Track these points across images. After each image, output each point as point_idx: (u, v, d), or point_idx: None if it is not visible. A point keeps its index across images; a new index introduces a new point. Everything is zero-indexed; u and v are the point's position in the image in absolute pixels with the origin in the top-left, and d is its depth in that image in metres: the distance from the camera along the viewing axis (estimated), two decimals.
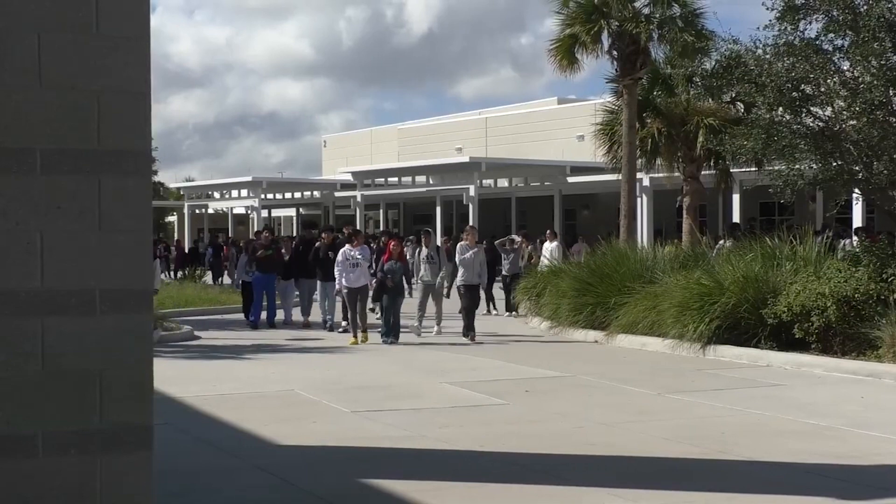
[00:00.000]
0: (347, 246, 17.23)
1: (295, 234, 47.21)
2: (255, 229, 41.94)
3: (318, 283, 19.33)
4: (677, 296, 15.19)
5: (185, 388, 11.49)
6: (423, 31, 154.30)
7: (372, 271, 17.72)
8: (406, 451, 8.32)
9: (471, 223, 37.85)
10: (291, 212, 58.93)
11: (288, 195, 54.90)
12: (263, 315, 19.72)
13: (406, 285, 17.60)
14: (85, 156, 4.92)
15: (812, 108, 15.72)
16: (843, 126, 15.45)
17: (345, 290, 16.91)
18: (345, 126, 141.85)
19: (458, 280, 17.57)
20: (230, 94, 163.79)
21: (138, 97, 5.02)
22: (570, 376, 12.69)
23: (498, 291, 22.59)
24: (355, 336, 16.65)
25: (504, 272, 22.25)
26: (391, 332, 16.50)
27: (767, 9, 15.33)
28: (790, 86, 15.18)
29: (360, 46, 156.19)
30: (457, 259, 17.63)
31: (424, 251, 18.60)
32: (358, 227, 18.87)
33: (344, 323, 18.17)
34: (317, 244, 19.53)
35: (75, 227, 4.91)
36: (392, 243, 17.54)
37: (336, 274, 17.02)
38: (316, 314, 19.67)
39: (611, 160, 26.21)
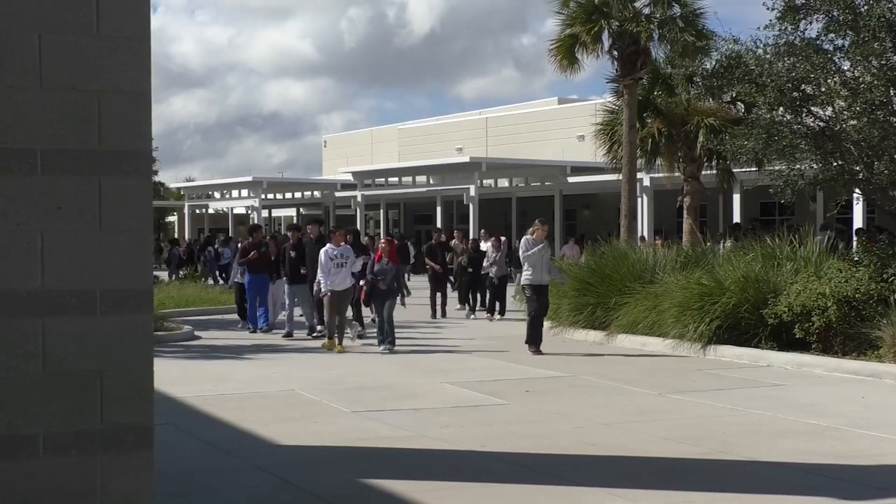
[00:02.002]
0: (329, 245, 15.87)
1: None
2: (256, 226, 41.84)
3: (287, 286, 17.94)
4: (678, 296, 15.20)
5: (185, 388, 11.49)
6: (424, 31, 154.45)
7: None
8: (406, 451, 8.33)
9: (471, 223, 37.89)
10: (292, 212, 58.93)
11: (288, 195, 54.92)
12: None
13: (399, 289, 16.09)
14: (85, 156, 4.92)
15: (813, 108, 15.72)
16: (844, 126, 15.45)
17: (328, 294, 15.57)
18: (346, 126, 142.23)
19: (524, 280, 15.41)
20: (232, 94, 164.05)
21: (139, 97, 5.02)
22: (571, 376, 12.69)
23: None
24: (331, 337, 15.52)
25: (490, 274, 21.38)
26: (386, 338, 15.27)
27: (768, 9, 15.35)
28: (791, 86, 15.18)
29: (362, 46, 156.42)
30: (520, 256, 15.43)
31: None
32: (332, 225, 17.45)
33: (319, 327, 17.15)
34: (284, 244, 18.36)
35: (76, 228, 4.91)
36: (383, 242, 16.36)
37: (320, 275, 15.71)
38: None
39: (611, 160, 26.21)
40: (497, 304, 21.34)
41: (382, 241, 16.63)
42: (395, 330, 15.52)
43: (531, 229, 15.66)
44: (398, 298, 16.33)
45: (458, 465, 7.83)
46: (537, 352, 14.86)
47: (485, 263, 21.41)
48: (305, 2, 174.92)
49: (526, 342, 15.12)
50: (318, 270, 15.81)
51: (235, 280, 19.92)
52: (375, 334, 15.76)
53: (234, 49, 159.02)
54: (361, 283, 16.13)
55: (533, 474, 7.52)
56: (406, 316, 21.39)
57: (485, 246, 23.26)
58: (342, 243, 15.92)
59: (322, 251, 15.83)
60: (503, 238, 22.95)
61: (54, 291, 4.87)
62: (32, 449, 4.84)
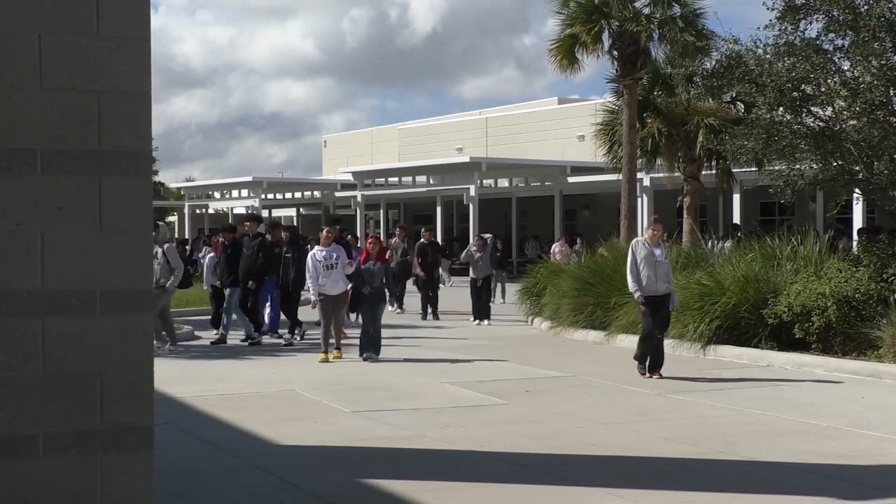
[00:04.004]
0: (317, 247, 14.76)
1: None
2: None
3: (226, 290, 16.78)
4: (678, 296, 15.18)
5: (185, 388, 11.49)
6: (426, 31, 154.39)
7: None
8: (406, 451, 8.33)
9: (471, 223, 37.88)
10: (292, 212, 58.94)
11: (288, 195, 54.90)
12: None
13: (388, 291, 14.62)
14: (85, 156, 4.93)
15: (812, 108, 15.73)
16: (844, 126, 15.45)
17: (319, 299, 14.34)
18: (347, 126, 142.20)
19: (637, 293, 12.65)
20: (233, 94, 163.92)
21: (139, 97, 5.03)
22: (571, 376, 12.69)
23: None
24: (325, 351, 14.21)
25: (473, 275, 20.37)
26: (371, 346, 14.22)
27: (768, 9, 15.36)
28: (791, 86, 15.18)
29: (363, 46, 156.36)
30: (628, 266, 12.67)
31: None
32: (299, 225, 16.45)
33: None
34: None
35: (76, 228, 4.91)
36: (369, 241, 15.07)
37: (309, 281, 14.60)
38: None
39: (611, 160, 26.20)
40: (481, 307, 20.15)
41: (370, 239, 15.30)
42: (394, 330, 15.17)
43: (646, 228, 13.28)
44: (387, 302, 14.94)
45: (458, 465, 7.83)
46: (646, 373, 12.54)
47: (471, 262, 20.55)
48: (307, 2, 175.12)
49: (635, 357, 12.79)
50: (307, 275, 14.73)
51: (211, 283, 17.88)
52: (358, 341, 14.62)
53: (236, 49, 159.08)
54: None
55: (533, 474, 7.52)
56: (404, 317, 21.40)
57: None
58: (331, 243, 14.75)
59: (310, 254, 14.81)
60: (488, 236, 21.93)
61: (54, 291, 4.87)
62: (32, 449, 4.84)
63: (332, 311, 14.38)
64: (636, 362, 12.70)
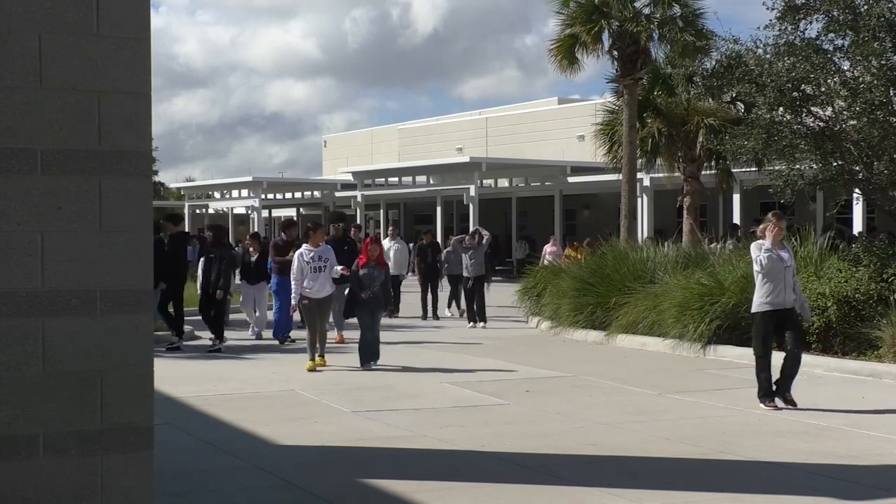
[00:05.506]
0: (305, 246, 13.81)
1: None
2: (254, 229, 41.72)
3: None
4: (677, 296, 15.20)
5: (185, 388, 11.49)
6: (427, 31, 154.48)
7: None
8: (406, 451, 8.33)
9: (471, 224, 37.87)
10: (292, 212, 58.95)
11: (288, 195, 54.93)
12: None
13: (388, 297, 13.90)
14: (86, 156, 4.93)
15: (812, 108, 15.74)
16: (844, 126, 15.47)
17: (304, 302, 13.65)
18: (348, 126, 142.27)
19: (756, 303, 10.38)
20: (234, 94, 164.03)
21: (139, 98, 5.03)
22: (571, 376, 12.69)
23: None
24: (312, 358, 13.37)
25: (465, 273, 19.71)
26: (370, 354, 13.47)
27: (768, 8, 15.38)
28: (791, 86, 15.19)
29: (364, 46, 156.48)
30: (756, 269, 10.30)
31: None
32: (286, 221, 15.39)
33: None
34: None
35: (76, 228, 4.92)
36: (368, 243, 13.96)
37: (292, 282, 13.77)
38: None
39: (611, 160, 26.22)
40: (476, 309, 19.46)
41: (369, 241, 14.16)
42: (393, 331, 14.96)
43: (762, 227, 10.59)
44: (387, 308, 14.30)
45: (458, 465, 7.84)
46: (775, 404, 10.22)
47: (466, 261, 19.70)
48: (308, 2, 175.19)
49: (759, 395, 10.39)
50: (292, 276, 13.90)
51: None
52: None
53: (236, 49, 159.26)
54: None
55: (533, 474, 7.52)
56: (403, 317, 21.37)
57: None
58: (321, 243, 13.90)
59: (297, 253, 13.95)
60: (486, 233, 20.54)
61: (54, 291, 4.88)
62: (32, 449, 4.85)
63: (317, 315, 13.67)
64: (760, 401, 10.31)
